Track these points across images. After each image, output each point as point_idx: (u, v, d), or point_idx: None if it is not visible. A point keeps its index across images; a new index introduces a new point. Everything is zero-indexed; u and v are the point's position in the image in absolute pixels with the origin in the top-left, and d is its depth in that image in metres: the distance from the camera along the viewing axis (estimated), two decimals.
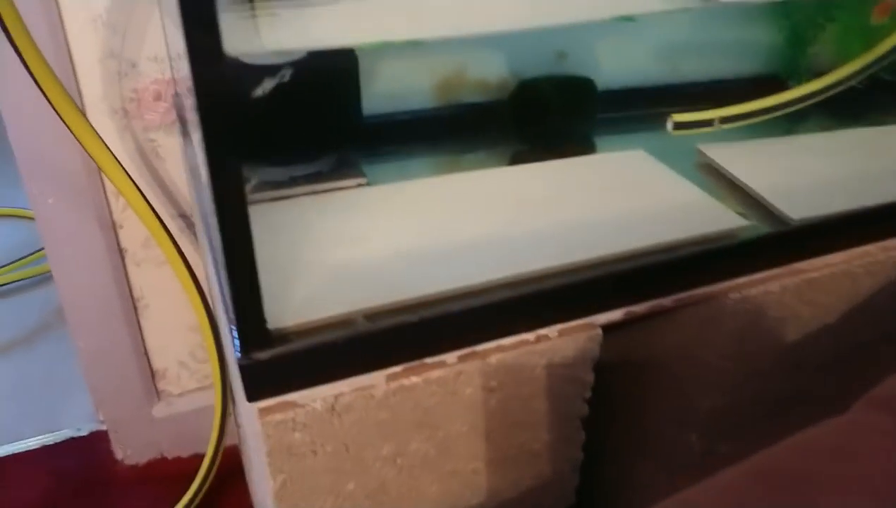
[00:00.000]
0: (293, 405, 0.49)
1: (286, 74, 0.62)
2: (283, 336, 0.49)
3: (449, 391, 0.53)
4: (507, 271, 0.54)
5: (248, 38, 0.53)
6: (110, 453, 1.11)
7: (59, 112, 0.64)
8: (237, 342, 0.46)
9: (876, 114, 0.77)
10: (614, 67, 0.76)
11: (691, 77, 0.78)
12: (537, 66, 0.75)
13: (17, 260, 1.46)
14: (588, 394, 0.60)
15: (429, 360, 0.52)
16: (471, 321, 0.52)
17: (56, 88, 0.61)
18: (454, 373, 0.53)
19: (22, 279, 1.44)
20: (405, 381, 0.52)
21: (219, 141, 0.40)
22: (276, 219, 0.61)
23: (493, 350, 0.53)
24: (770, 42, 0.80)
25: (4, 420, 1.19)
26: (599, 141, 0.75)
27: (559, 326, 0.55)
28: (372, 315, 0.51)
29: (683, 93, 0.78)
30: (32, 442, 1.15)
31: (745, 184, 0.64)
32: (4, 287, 1.44)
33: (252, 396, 0.48)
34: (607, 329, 0.57)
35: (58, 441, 1.15)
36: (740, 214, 0.61)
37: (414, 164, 0.72)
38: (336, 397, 0.50)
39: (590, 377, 0.59)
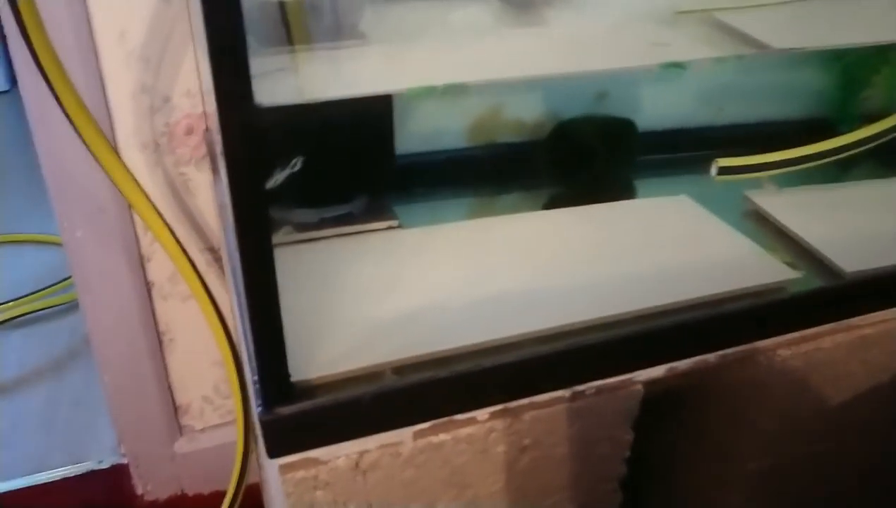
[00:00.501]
0: (316, 462, 0.47)
1: (318, 115, 0.60)
2: (307, 389, 0.46)
3: (479, 449, 0.51)
4: (541, 324, 0.52)
5: (285, 85, 0.52)
6: (131, 487, 1.09)
7: (90, 147, 0.63)
8: (259, 397, 0.44)
9: None
10: (657, 108, 0.73)
11: (737, 119, 0.75)
12: (576, 106, 0.73)
13: (47, 287, 1.46)
14: (626, 454, 0.57)
15: (458, 417, 0.49)
16: (503, 376, 0.49)
17: (88, 123, 0.61)
18: (485, 431, 0.50)
19: (52, 306, 1.44)
20: (433, 439, 0.49)
21: (246, 193, 0.38)
22: (304, 262, 0.59)
23: (527, 407, 0.51)
24: (820, 85, 0.77)
25: (31, 449, 1.18)
26: (640, 185, 0.72)
27: (597, 383, 0.52)
28: (400, 368, 0.49)
29: (729, 136, 0.75)
30: (56, 473, 1.14)
31: (796, 234, 0.61)
32: (35, 314, 1.44)
33: (274, 452, 0.46)
34: (648, 385, 0.54)
35: (80, 473, 1.14)
36: (790, 266, 0.58)
37: (447, 206, 0.70)
38: (361, 454, 0.48)
39: (628, 436, 0.56)
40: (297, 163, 0.59)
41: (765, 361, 0.56)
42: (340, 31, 0.64)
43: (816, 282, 0.57)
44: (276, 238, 0.61)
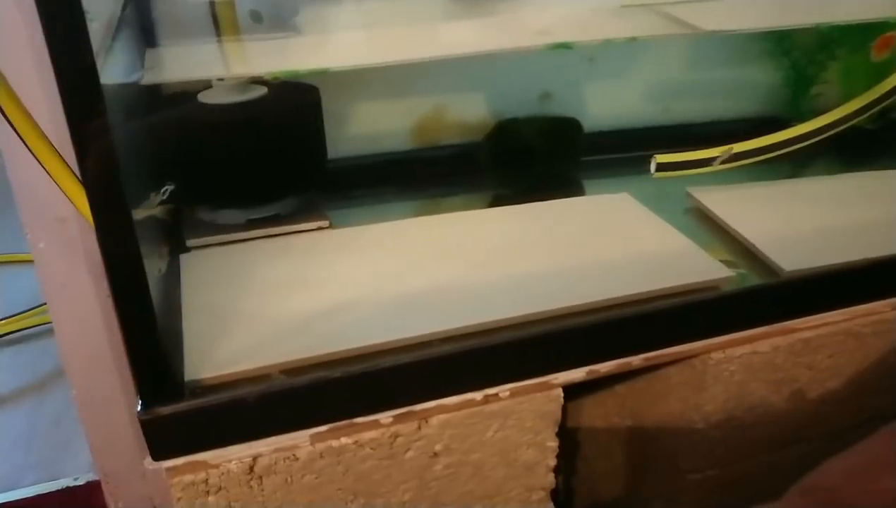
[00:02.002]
0: (205, 465, 0.45)
1: (240, 112, 0.59)
2: (199, 389, 0.45)
3: (385, 455, 0.48)
4: (454, 323, 0.49)
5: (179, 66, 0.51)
6: (104, 505, 1.08)
7: (40, 161, 0.62)
8: (138, 396, 0.43)
9: (886, 159, 0.70)
10: (602, 108, 0.71)
11: (686, 119, 0.73)
12: (521, 106, 0.71)
13: (38, 306, 1.47)
14: (553, 463, 0.54)
15: (359, 420, 0.47)
16: (404, 378, 0.47)
17: (31, 129, 0.60)
18: (390, 435, 0.48)
19: (41, 324, 1.45)
20: (333, 443, 0.47)
21: (103, 191, 0.37)
22: (222, 264, 0.58)
23: (434, 410, 0.48)
24: (769, 82, 0.74)
25: (7, 468, 1.17)
26: (586, 184, 0.70)
27: (510, 385, 0.50)
28: (300, 368, 0.47)
29: (677, 136, 0.72)
30: (30, 490, 1.13)
31: (735, 231, 0.58)
32: (24, 332, 1.45)
33: (157, 454, 0.44)
34: (569, 389, 0.51)
35: (54, 490, 1.13)
36: (729, 264, 0.55)
37: (388, 209, 0.68)
38: (254, 458, 0.46)
39: (553, 442, 0.53)
40: (167, 191, 0.57)
41: (698, 365, 0.53)
42: (276, 27, 0.63)
43: (753, 281, 0.54)
44: (199, 240, 0.60)
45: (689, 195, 0.63)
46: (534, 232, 0.61)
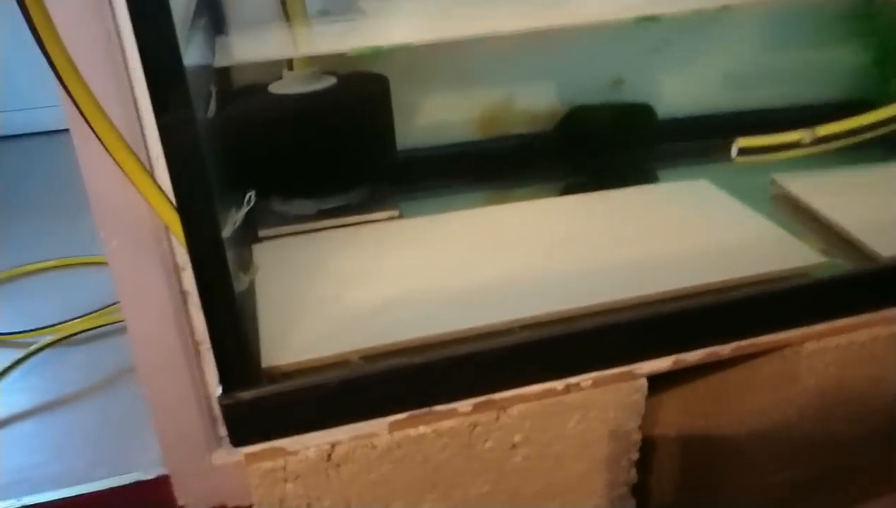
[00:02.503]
0: (283, 452, 0.45)
1: (311, 103, 0.59)
2: (275, 375, 0.44)
3: (463, 444, 0.47)
4: (535, 310, 0.48)
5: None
6: (173, 499, 1.10)
7: (121, 166, 0.63)
8: (219, 381, 0.42)
9: None
10: (677, 93, 0.69)
11: (766, 103, 0.70)
12: (592, 94, 0.69)
13: (110, 305, 1.51)
14: (635, 456, 0.52)
15: (438, 408, 0.46)
16: (485, 365, 0.46)
17: (117, 142, 0.61)
18: (468, 424, 0.47)
19: (108, 324, 1.49)
20: (411, 431, 0.46)
21: (188, 184, 0.36)
22: (295, 253, 0.57)
23: (514, 399, 0.47)
24: (856, 63, 0.70)
25: (80, 462, 1.20)
26: (662, 173, 0.68)
27: (592, 374, 0.48)
28: (378, 355, 0.46)
29: (757, 121, 0.69)
30: (101, 484, 1.15)
31: (826, 218, 0.56)
32: (97, 330, 1.49)
33: (237, 440, 0.44)
34: (654, 379, 0.49)
35: (125, 483, 1.15)
36: (821, 251, 0.52)
37: (456, 199, 0.67)
38: (333, 445, 0.45)
39: (636, 435, 0.51)
40: (251, 199, 0.58)
41: (790, 356, 0.51)
42: (340, 10, 0.63)
43: (849, 267, 0.51)
44: (271, 230, 0.60)
45: (773, 182, 0.61)
46: (612, 220, 0.59)
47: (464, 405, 0.46)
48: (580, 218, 0.60)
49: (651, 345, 0.49)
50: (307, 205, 0.62)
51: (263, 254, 0.58)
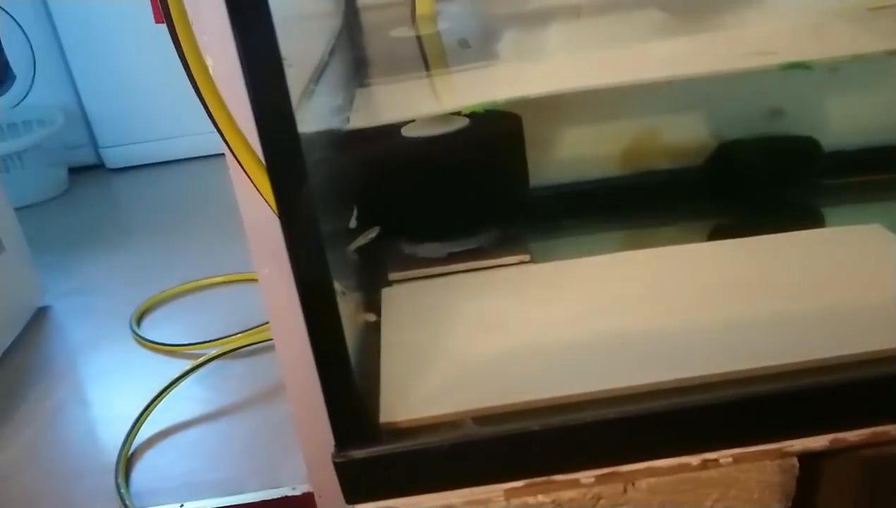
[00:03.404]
0: None
1: (443, 145, 0.58)
2: (393, 432, 0.44)
3: None
4: (671, 374, 0.44)
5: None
6: None
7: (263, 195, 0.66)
8: (333, 437, 0.42)
9: None
10: (847, 124, 0.62)
11: None
12: (747, 126, 0.64)
13: (265, 323, 1.60)
14: None
15: (558, 478, 0.43)
16: (609, 433, 0.43)
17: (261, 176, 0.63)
18: (591, 497, 0.43)
19: (270, 339, 1.56)
20: (529, 500, 0.43)
21: (293, 217, 0.36)
22: (424, 298, 0.57)
23: (642, 472, 0.43)
24: None
25: (236, 472, 1.27)
26: (827, 213, 0.61)
27: (734, 451, 0.43)
28: (495, 416, 0.44)
29: None
30: (253, 496, 1.21)
31: None
32: (255, 346, 1.58)
33: (350, 497, 0.43)
34: (806, 459, 0.44)
35: (274, 497, 1.20)
36: None
37: (594, 241, 0.64)
38: None
39: None
40: (372, 233, 0.57)
41: None
42: (482, 54, 0.62)
43: None
44: (400, 274, 0.60)
45: None
46: (764, 270, 0.53)
47: (586, 475, 0.43)
48: (728, 267, 0.55)
49: (804, 421, 0.43)
50: (437, 248, 0.61)
51: (392, 298, 0.58)
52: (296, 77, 0.40)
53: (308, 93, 0.45)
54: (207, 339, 1.45)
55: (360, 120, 0.54)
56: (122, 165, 2.02)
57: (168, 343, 1.50)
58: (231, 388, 1.48)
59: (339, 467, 0.42)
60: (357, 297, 0.58)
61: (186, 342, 1.46)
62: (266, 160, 0.36)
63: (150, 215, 1.95)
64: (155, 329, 1.58)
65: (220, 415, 1.39)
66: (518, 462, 0.43)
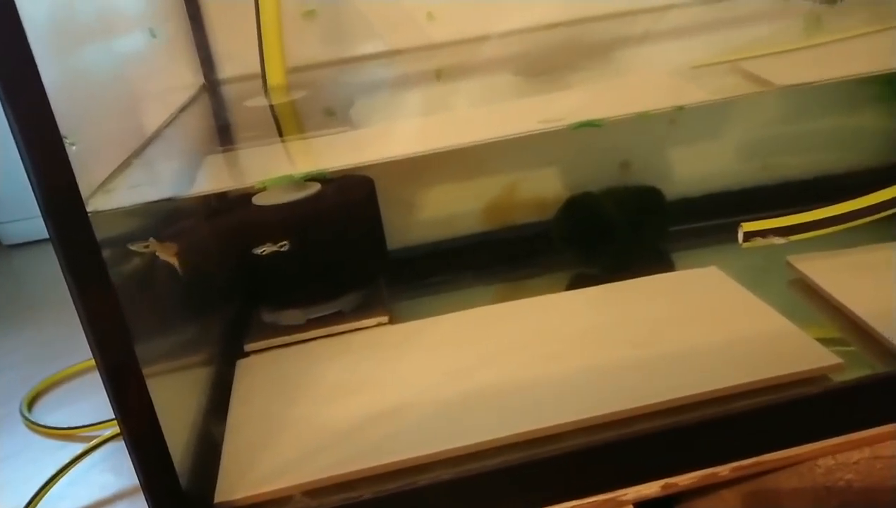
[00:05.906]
0: None
1: (296, 211, 0.58)
2: None
3: None
4: (515, 429, 0.44)
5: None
6: None
7: None
8: None
9: None
10: (689, 172, 0.64)
11: (788, 176, 0.64)
12: (600, 178, 0.66)
13: None
14: None
15: None
16: (450, 493, 0.42)
17: None
18: None
19: None
20: None
21: (97, 307, 0.36)
22: (277, 368, 0.56)
23: None
24: (883, 128, 0.64)
25: None
26: (674, 257, 0.63)
27: (570, 504, 0.43)
28: (330, 486, 0.43)
29: (778, 195, 0.64)
30: None
31: (846, 307, 0.50)
32: None
33: None
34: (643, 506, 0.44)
35: None
36: (837, 349, 0.46)
37: (457, 297, 0.64)
38: None
39: None
40: (285, 245, 0.57)
41: (802, 475, 0.44)
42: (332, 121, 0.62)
43: (869, 369, 0.45)
44: (257, 344, 0.59)
45: (789, 265, 0.55)
46: (612, 318, 0.55)
47: None
48: (580, 316, 0.56)
49: (636, 468, 0.44)
50: (296, 315, 0.60)
51: (246, 369, 0.57)
52: (97, 153, 0.40)
53: (126, 166, 0.44)
54: (103, 420, 1.40)
55: (202, 186, 0.53)
56: (20, 240, 1.95)
57: (61, 426, 1.44)
58: (129, 470, 1.41)
59: None
60: (211, 371, 0.56)
61: (81, 424, 1.40)
62: (52, 237, 0.35)
63: (52, 291, 1.88)
64: (53, 410, 1.50)
65: (118, 500, 1.33)
66: None
